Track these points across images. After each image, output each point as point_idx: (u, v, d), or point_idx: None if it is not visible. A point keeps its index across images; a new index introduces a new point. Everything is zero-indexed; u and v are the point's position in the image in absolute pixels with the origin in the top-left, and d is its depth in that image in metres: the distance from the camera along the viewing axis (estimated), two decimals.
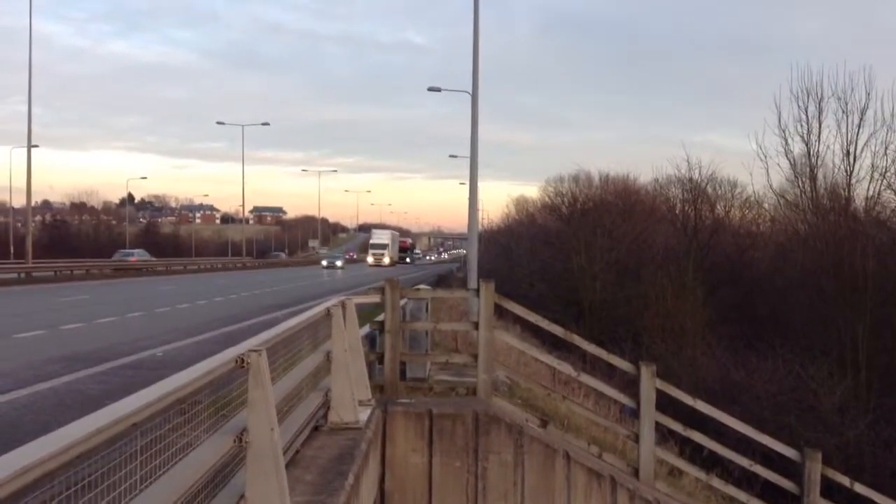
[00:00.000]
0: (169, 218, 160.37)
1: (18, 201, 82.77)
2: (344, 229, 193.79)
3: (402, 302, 9.79)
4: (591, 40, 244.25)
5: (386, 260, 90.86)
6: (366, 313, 10.19)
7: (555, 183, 49.63)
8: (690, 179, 40.88)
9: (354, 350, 7.64)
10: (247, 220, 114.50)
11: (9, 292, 29.52)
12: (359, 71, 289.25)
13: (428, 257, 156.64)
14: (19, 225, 66.94)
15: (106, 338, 14.94)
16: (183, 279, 44.15)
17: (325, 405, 6.85)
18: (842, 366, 24.41)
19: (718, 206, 41.25)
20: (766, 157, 36.18)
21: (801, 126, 33.95)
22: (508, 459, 8.67)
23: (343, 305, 7.48)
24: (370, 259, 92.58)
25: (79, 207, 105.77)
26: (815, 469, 9.30)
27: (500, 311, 10.37)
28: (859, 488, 9.89)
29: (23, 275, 37.03)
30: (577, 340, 9.88)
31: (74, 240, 79.18)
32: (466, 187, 23.81)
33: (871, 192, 32.13)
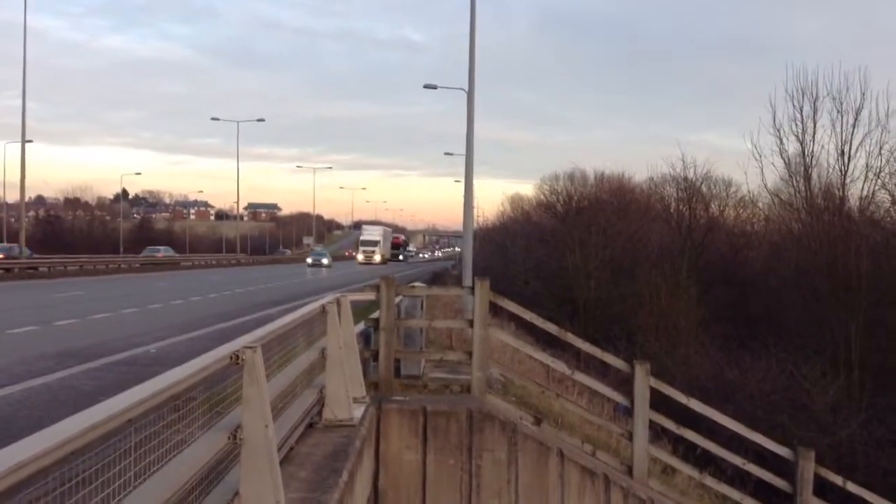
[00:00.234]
0: (163, 214, 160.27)
1: (12, 196, 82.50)
2: (339, 226, 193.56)
3: (398, 299, 9.79)
4: (590, 39, 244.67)
5: (377, 258, 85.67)
6: (361, 310, 10.18)
7: (550, 181, 49.72)
8: (685, 178, 41.02)
9: (349, 347, 7.64)
10: (241, 217, 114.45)
11: (2, 287, 29.43)
12: (356, 68, 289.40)
13: (421, 255, 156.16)
14: (13, 220, 66.75)
15: (100, 334, 14.91)
16: (177, 275, 44.06)
17: (320, 402, 6.84)
18: (835, 365, 24.50)
19: (713, 205, 41.40)
20: (760, 156, 36.25)
21: (796, 125, 34.06)
22: (502, 457, 8.68)
23: (338, 302, 7.47)
24: (360, 257, 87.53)
25: (73, 203, 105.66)
26: (808, 468, 9.34)
27: (494, 309, 10.36)
28: (852, 487, 9.93)
29: (16, 270, 36.91)
30: (572, 338, 9.90)
31: (68, 235, 79.09)
32: (462, 185, 23.81)
33: (865, 192, 32.25)
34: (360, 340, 8.97)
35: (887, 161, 31.10)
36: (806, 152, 33.82)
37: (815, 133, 33.64)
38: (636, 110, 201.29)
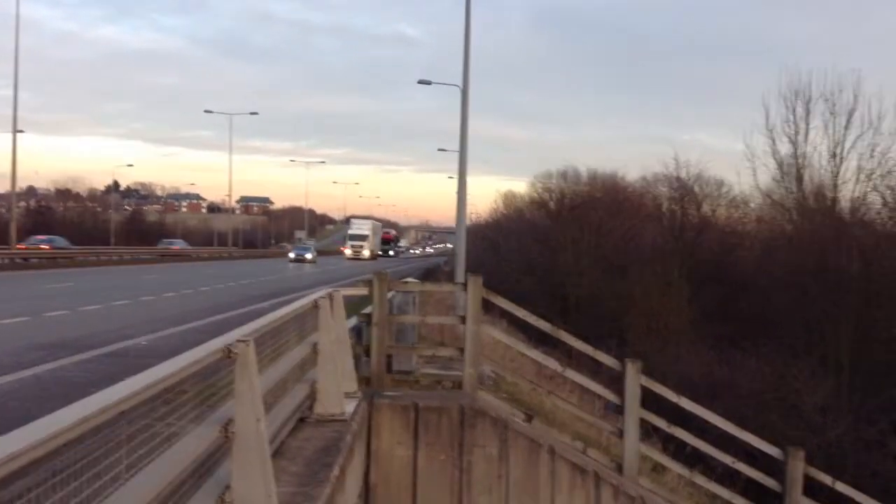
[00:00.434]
0: (155, 206, 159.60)
1: (3, 186, 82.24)
2: (331, 221, 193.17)
3: (390, 295, 9.78)
4: (584, 37, 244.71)
5: (366, 253, 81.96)
6: (353, 305, 10.17)
7: (543, 179, 49.81)
8: (678, 178, 41.14)
9: (341, 342, 7.63)
10: (233, 210, 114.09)
11: None
12: (350, 62, 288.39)
13: (412, 251, 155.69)
14: (4, 210, 66.43)
15: (91, 325, 14.86)
16: (168, 268, 43.93)
17: (312, 397, 6.83)
18: (825, 365, 24.63)
19: (705, 205, 41.51)
20: (753, 156, 36.50)
21: (789, 127, 34.24)
22: (493, 453, 8.69)
23: (331, 297, 7.46)
24: (348, 251, 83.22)
25: (64, 194, 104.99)
26: (798, 467, 9.37)
27: (487, 306, 10.37)
28: (841, 487, 9.97)
29: (6, 261, 36.74)
30: (564, 336, 9.90)
31: (59, 226, 78.53)
32: (455, 181, 23.81)
33: (856, 194, 32.44)
34: (352, 335, 8.96)
35: (879, 163, 31.30)
36: (798, 153, 34.02)
37: (807, 134, 33.81)
38: (630, 109, 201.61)
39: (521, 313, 9.89)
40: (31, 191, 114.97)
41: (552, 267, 39.98)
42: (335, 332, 7.20)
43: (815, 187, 33.60)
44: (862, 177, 32.15)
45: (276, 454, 5.35)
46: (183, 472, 3.37)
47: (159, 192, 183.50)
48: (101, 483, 2.61)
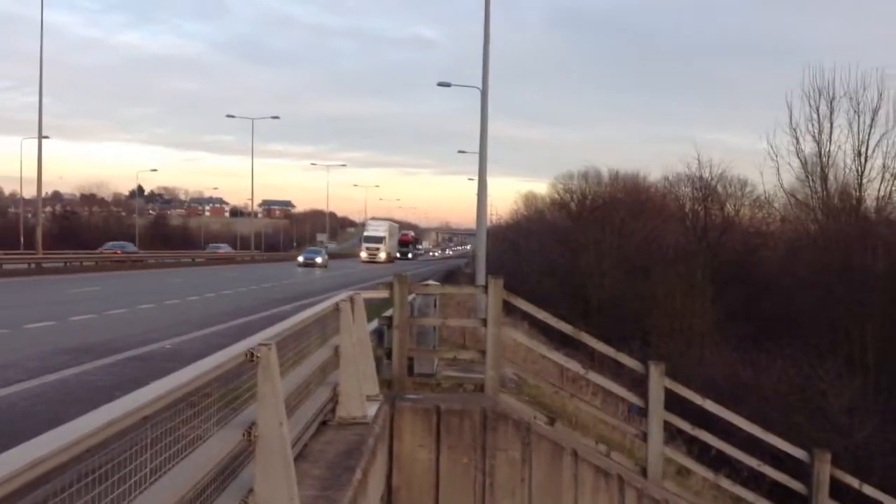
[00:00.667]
0: (178, 210, 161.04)
1: (29, 192, 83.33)
2: (352, 224, 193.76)
3: (411, 297, 9.79)
4: (603, 37, 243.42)
5: (382, 255, 76.61)
6: (374, 308, 10.19)
7: (564, 179, 49.67)
8: (700, 178, 40.85)
9: (363, 345, 7.65)
10: (255, 214, 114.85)
11: (19, 283, 29.67)
12: (369, 65, 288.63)
13: (431, 253, 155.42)
14: (30, 216, 67.31)
15: (115, 329, 15.00)
16: (192, 271, 44.26)
17: (333, 400, 6.85)
18: (850, 366, 24.35)
19: (728, 205, 41.18)
20: (776, 156, 36.11)
21: (813, 125, 33.90)
22: (516, 456, 8.66)
23: (352, 300, 7.48)
24: (363, 254, 78.00)
25: (89, 199, 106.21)
26: (824, 470, 9.26)
27: (508, 308, 10.36)
28: (868, 490, 9.85)
29: (33, 265, 37.22)
30: (586, 338, 9.86)
31: (84, 231, 79.48)
32: (475, 183, 23.79)
33: (881, 193, 32.09)
34: (373, 338, 8.98)
35: None
36: (822, 152, 33.67)
37: (831, 133, 33.46)
38: (650, 109, 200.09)
39: (542, 315, 9.87)
40: (56, 196, 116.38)
41: (573, 268, 39.86)
42: (356, 334, 7.22)
43: (839, 186, 33.26)
44: (887, 175, 31.82)
45: (299, 457, 5.37)
46: (207, 475, 3.39)
47: (183, 197, 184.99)
48: (125, 487, 2.64)
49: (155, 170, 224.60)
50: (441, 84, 32.25)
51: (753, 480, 10.50)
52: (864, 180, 32.35)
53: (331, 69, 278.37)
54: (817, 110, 33.81)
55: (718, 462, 10.27)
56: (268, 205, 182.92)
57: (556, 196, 51.22)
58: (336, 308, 6.99)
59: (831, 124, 33.52)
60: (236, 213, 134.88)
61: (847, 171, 33.01)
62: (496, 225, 64.74)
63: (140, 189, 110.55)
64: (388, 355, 9.31)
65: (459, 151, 46.66)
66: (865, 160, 32.31)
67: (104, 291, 25.54)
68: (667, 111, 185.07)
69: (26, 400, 8.48)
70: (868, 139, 32.34)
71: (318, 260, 59.11)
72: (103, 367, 10.70)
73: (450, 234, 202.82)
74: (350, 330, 7.05)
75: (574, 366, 9.92)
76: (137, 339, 13.49)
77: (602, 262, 39.37)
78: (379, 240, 79.56)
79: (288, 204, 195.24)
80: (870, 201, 32.41)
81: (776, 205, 39.03)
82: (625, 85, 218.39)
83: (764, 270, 35.35)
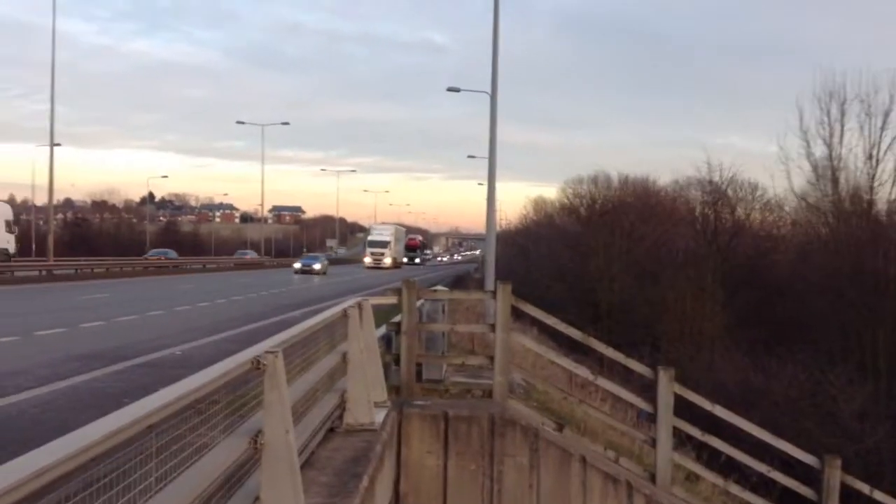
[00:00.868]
0: (189, 217, 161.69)
1: (41, 199, 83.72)
2: (362, 229, 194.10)
3: (419, 303, 9.79)
4: (612, 41, 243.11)
5: (387, 261, 73.56)
6: (382, 314, 10.20)
7: (574, 184, 49.64)
8: (711, 181, 40.71)
9: (371, 351, 7.65)
10: (266, 220, 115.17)
11: (30, 290, 29.83)
12: (379, 71, 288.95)
13: (440, 258, 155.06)
14: (41, 223, 67.72)
15: (126, 336, 15.06)
16: (203, 278, 44.42)
17: (341, 406, 6.86)
18: (862, 371, 24.19)
19: (739, 209, 41.01)
20: (787, 159, 36.00)
21: (824, 128, 33.75)
22: (524, 463, 8.65)
23: (360, 306, 7.49)
24: (367, 259, 75.20)
25: (100, 206, 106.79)
26: (835, 476, 9.21)
27: (517, 313, 10.35)
28: (879, 496, 9.78)
29: (44, 272, 37.42)
30: (595, 344, 9.84)
31: (96, 238, 79.92)
32: (485, 188, 23.78)
33: (893, 196, 31.86)
34: (381, 344, 8.98)
35: None
36: (833, 155, 33.52)
37: (842, 136, 33.31)
38: (660, 113, 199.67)
39: (550, 321, 9.86)
40: (67, 203, 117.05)
41: (583, 273, 39.77)
42: (364, 340, 7.23)
43: (851, 190, 33.09)
44: None
45: (306, 464, 5.38)
46: (213, 483, 3.40)
47: (193, 203, 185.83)
48: (131, 495, 2.65)
49: (166, 176, 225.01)
50: (451, 89, 32.26)
51: (763, 486, 10.44)
52: (876, 183, 32.21)
53: (341, 75, 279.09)
54: (828, 114, 33.70)
55: (728, 468, 10.22)
56: (278, 210, 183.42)
57: (566, 200, 51.22)
58: (344, 314, 7.00)
59: (842, 127, 33.40)
60: (246, 218, 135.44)
61: (858, 174, 32.87)
62: (506, 230, 64.64)
63: (151, 196, 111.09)
64: (397, 361, 9.31)
65: (469, 156, 47.03)
66: (877, 163, 32.18)
67: (115, 298, 25.64)
68: (676, 115, 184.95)
69: (36, 407, 8.52)
70: (880, 142, 32.21)
71: (316, 267, 54.65)
72: (113, 374, 10.75)
73: (459, 239, 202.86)
74: (358, 336, 7.05)
75: (583, 371, 9.89)
76: (147, 345, 13.54)
77: (612, 266, 39.28)
78: (384, 244, 76.54)
79: (298, 209, 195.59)
80: (881, 204, 32.26)
81: (787, 208, 38.93)
82: (634, 89, 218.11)
83: (775, 274, 35.19)
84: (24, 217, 72.38)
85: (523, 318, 15.73)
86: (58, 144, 43.18)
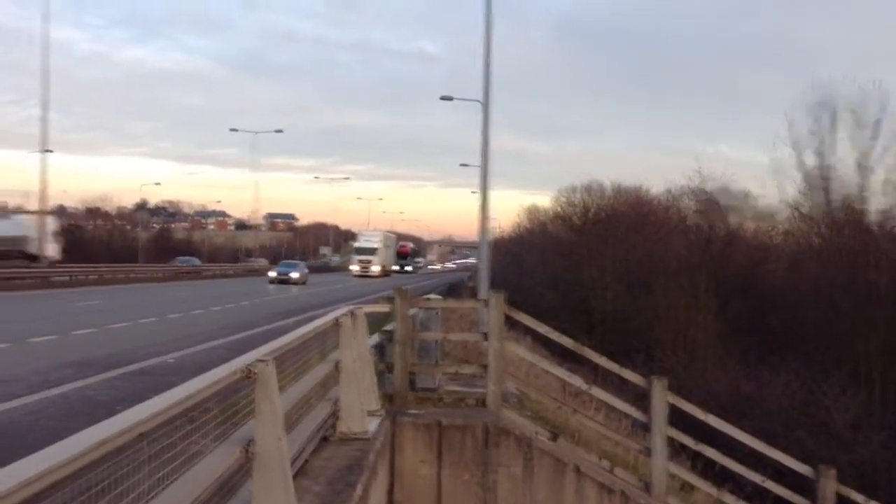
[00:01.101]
0: (182, 224, 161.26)
1: (33, 206, 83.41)
2: (354, 236, 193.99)
3: (412, 312, 9.77)
4: (605, 50, 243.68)
5: (375, 268, 70.32)
6: (375, 322, 10.17)
7: (567, 193, 49.64)
8: (703, 191, 40.74)
9: (364, 360, 7.62)
10: (259, 227, 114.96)
11: (25, 297, 29.70)
12: (372, 79, 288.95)
13: (431, 266, 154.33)
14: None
15: (118, 343, 15.00)
16: (196, 285, 44.28)
17: (334, 415, 6.83)
18: (855, 381, 24.21)
19: (731, 218, 41.06)
20: (778, 169, 36.09)
21: (815, 138, 33.85)
22: (518, 472, 8.62)
23: (353, 314, 7.46)
24: (354, 268, 71.95)
25: (93, 212, 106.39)
26: (829, 486, 9.21)
27: (510, 322, 10.33)
28: None
29: (38, 279, 37.24)
30: (588, 353, 9.82)
31: (89, 245, 79.58)
32: (478, 196, 23.79)
33: (885, 206, 31.97)
34: (374, 353, 8.95)
35: None
36: (824, 165, 33.62)
37: (834, 146, 33.44)
38: (652, 122, 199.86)
39: (543, 330, 9.84)
40: (60, 210, 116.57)
41: (576, 281, 39.76)
42: (357, 349, 7.20)
43: (842, 199, 33.19)
44: (889, 188, 31.75)
45: (299, 473, 5.34)
46: (204, 492, 3.37)
47: (186, 210, 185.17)
48: None
49: (159, 183, 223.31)
50: (444, 98, 32.37)
51: (758, 496, 10.43)
52: (867, 193, 32.32)
53: (334, 83, 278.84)
54: (819, 123, 33.82)
55: (722, 478, 10.21)
56: (272, 218, 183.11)
57: (559, 209, 51.23)
58: (336, 323, 6.97)
59: (833, 137, 33.53)
60: (240, 226, 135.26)
61: (850, 184, 32.98)
62: (499, 238, 64.63)
63: (144, 203, 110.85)
64: (390, 370, 9.28)
65: (462, 165, 46.78)
66: (868, 173, 32.29)
67: (107, 305, 25.55)
68: (669, 124, 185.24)
69: (28, 415, 8.47)
70: (870, 152, 32.33)
71: (294, 275, 49.86)
72: (105, 382, 10.70)
73: (453, 247, 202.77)
74: (350, 345, 7.03)
75: (577, 381, 9.87)
76: (140, 352, 13.49)
77: (605, 275, 39.29)
78: (372, 251, 73.07)
79: (291, 217, 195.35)
80: (873, 214, 32.37)
81: (779, 217, 39.01)
82: (627, 97, 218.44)
83: (768, 283, 35.22)
84: None
85: (517, 326, 15.73)
86: (50, 151, 43.18)
